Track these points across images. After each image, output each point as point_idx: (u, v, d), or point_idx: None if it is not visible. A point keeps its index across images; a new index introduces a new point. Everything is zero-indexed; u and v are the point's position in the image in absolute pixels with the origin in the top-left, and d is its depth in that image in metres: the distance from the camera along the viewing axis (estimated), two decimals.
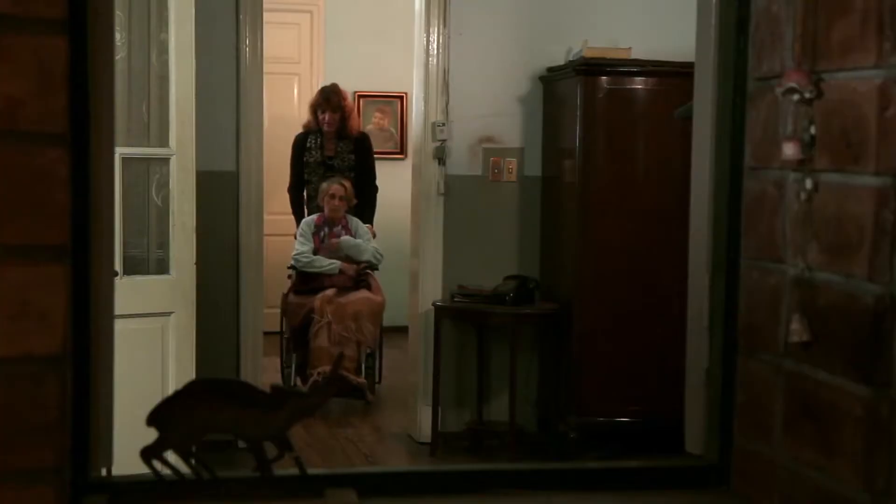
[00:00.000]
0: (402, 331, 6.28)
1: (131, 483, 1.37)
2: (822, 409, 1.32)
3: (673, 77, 5.00)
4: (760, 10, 1.47)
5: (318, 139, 6.61)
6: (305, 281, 6.32)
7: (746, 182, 1.51)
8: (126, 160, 4.19)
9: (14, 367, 1.19)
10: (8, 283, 1.18)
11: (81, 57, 1.30)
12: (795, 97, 1.34)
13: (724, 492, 1.55)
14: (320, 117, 6.55)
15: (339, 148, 6.62)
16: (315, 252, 6.37)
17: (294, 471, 1.41)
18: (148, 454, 1.34)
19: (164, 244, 4.33)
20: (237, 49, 5.22)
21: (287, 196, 6.79)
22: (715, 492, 1.56)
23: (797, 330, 1.34)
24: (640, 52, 5.36)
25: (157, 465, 1.35)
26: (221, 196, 5.18)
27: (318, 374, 5.74)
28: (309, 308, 6.04)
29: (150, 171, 4.33)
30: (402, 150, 8.39)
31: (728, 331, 1.55)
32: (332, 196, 6.35)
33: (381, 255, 6.50)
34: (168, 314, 4.28)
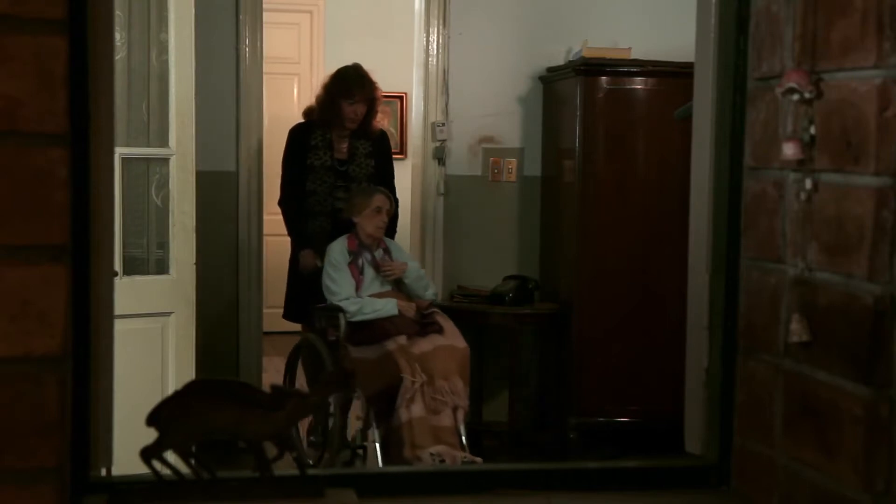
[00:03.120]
0: None
1: (131, 483, 1.37)
2: (822, 409, 1.32)
3: (673, 77, 5.00)
4: (760, 10, 1.47)
5: (327, 136, 4.97)
6: (360, 328, 4.60)
7: (746, 182, 1.51)
8: (126, 160, 4.19)
9: (14, 367, 1.19)
10: (8, 283, 1.18)
11: (81, 57, 1.30)
12: (795, 97, 1.34)
13: (724, 492, 1.55)
14: (347, 109, 4.93)
15: (354, 149, 5.00)
16: (356, 288, 4.73)
17: (294, 471, 1.41)
18: (148, 454, 1.34)
19: (163, 244, 4.33)
20: (237, 49, 5.22)
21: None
22: (715, 492, 1.56)
23: (797, 330, 1.34)
24: (640, 52, 5.36)
25: (157, 465, 1.35)
26: (221, 196, 5.18)
27: (434, 455, 4.19)
28: (391, 366, 4.39)
29: (149, 171, 4.33)
30: (402, 150, 8.38)
31: (728, 331, 1.55)
32: (379, 210, 4.75)
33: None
34: (168, 314, 4.28)
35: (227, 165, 5.25)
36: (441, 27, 5.52)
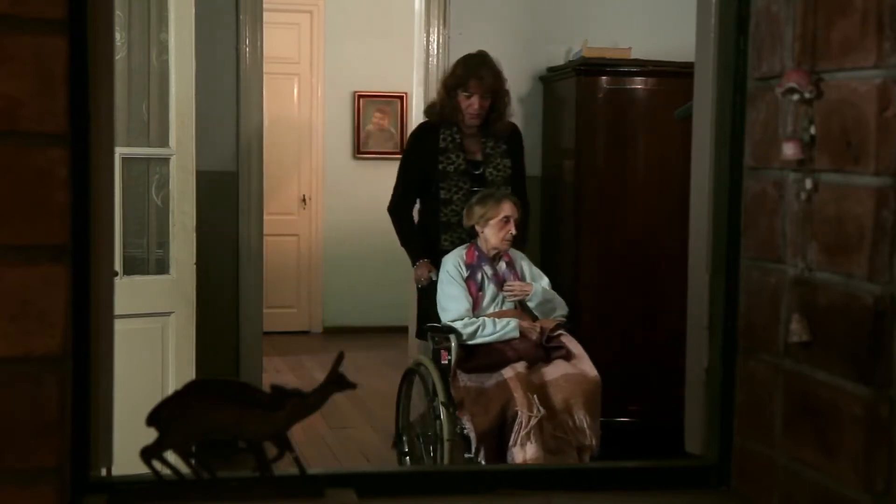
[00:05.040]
0: (402, 331, 6.27)
1: (131, 483, 1.37)
2: (822, 409, 1.32)
3: (673, 77, 5.01)
4: (760, 10, 1.47)
5: (455, 135, 4.41)
6: (475, 353, 4.06)
7: (746, 182, 1.51)
8: (126, 160, 4.19)
9: (14, 367, 1.19)
10: (8, 283, 1.18)
11: (81, 57, 1.30)
12: (795, 97, 1.34)
13: (724, 492, 1.55)
14: (464, 102, 4.35)
15: (487, 149, 4.42)
16: (473, 306, 4.16)
17: (294, 471, 1.41)
18: (148, 454, 1.34)
19: (164, 244, 4.33)
20: (237, 49, 5.23)
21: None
22: (715, 492, 1.56)
23: (797, 330, 1.34)
24: (640, 52, 5.36)
25: (157, 465, 1.35)
26: (221, 196, 5.18)
27: None
28: (505, 397, 3.81)
29: (150, 171, 4.33)
30: (402, 150, 8.39)
31: (728, 331, 1.55)
32: (507, 220, 4.17)
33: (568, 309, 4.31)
34: (168, 314, 4.28)
35: (227, 165, 5.25)
36: (441, 27, 5.52)
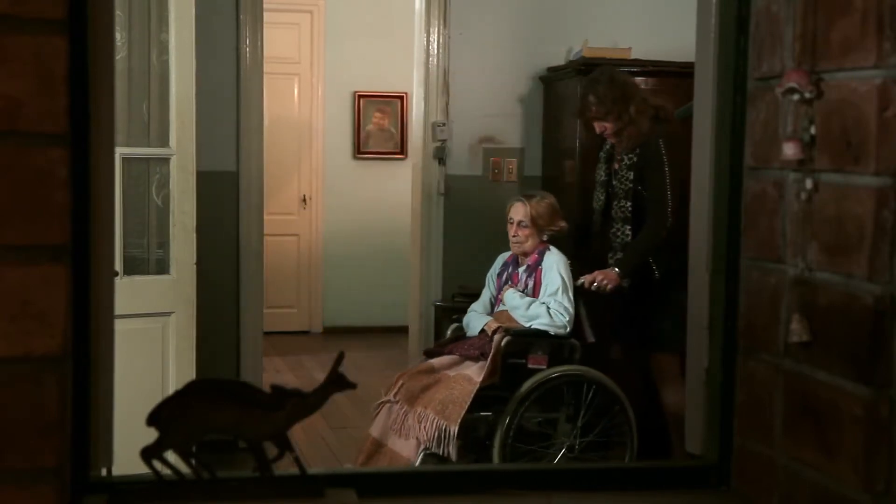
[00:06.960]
0: (402, 331, 6.27)
1: (131, 483, 1.37)
2: (822, 409, 1.32)
3: (673, 77, 5.00)
4: (760, 10, 1.47)
5: (610, 148, 4.58)
6: (450, 341, 4.56)
7: (746, 182, 1.51)
8: (126, 160, 4.19)
9: (14, 367, 1.19)
10: (8, 283, 1.18)
11: (81, 57, 1.30)
12: (795, 97, 1.34)
13: (724, 492, 1.55)
14: (592, 126, 4.55)
15: (621, 161, 4.47)
16: (493, 302, 4.50)
17: (294, 471, 1.41)
18: (148, 454, 1.34)
19: (164, 244, 4.33)
20: (237, 49, 5.22)
21: None
22: (715, 492, 1.56)
23: (797, 330, 1.34)
24: (640, 52, 5.36)
25: (157, 465, 1.35)
26: (221, 196, 5.18)
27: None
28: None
29: (150, 171, 4.33)
30: (402, 150, 8.40)
31: (728, 331, 1.55)
32: (511, 221, 4.40)
33: (567, 316, 4.26)
34: (168, 314, 4.28)
35: (227, 165, 5.25)
36: (441, 27, 5.53)
